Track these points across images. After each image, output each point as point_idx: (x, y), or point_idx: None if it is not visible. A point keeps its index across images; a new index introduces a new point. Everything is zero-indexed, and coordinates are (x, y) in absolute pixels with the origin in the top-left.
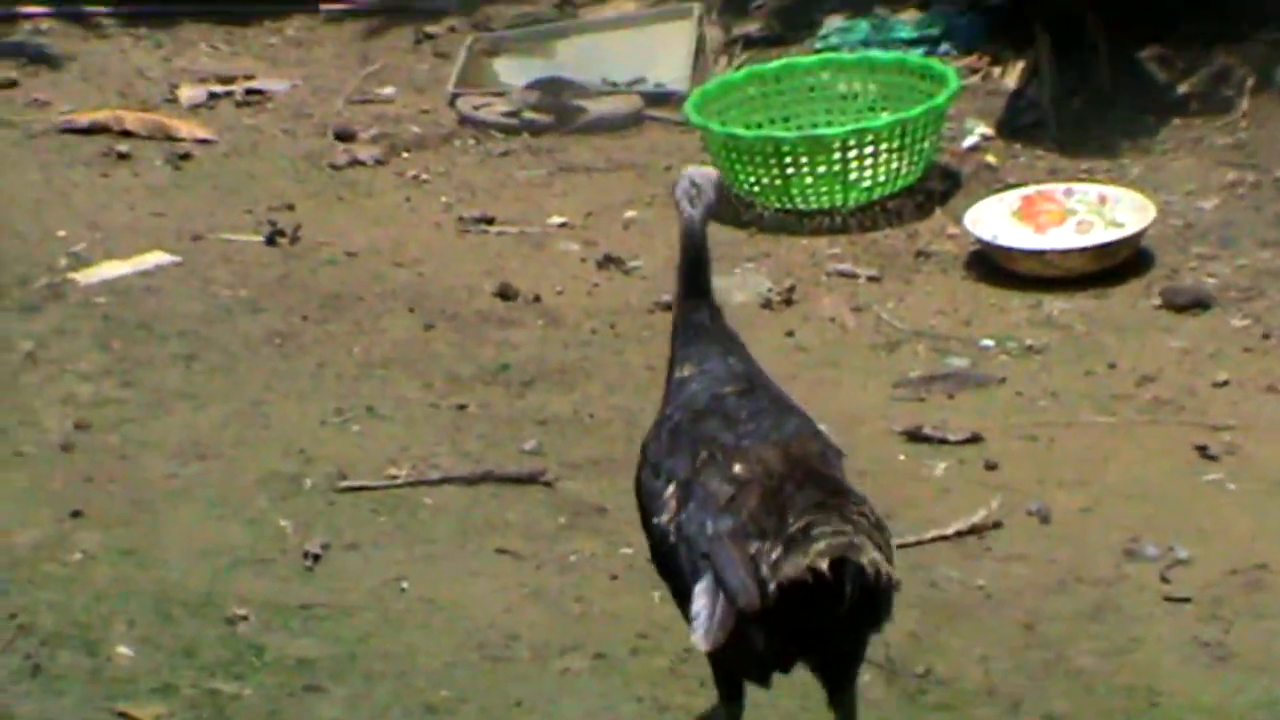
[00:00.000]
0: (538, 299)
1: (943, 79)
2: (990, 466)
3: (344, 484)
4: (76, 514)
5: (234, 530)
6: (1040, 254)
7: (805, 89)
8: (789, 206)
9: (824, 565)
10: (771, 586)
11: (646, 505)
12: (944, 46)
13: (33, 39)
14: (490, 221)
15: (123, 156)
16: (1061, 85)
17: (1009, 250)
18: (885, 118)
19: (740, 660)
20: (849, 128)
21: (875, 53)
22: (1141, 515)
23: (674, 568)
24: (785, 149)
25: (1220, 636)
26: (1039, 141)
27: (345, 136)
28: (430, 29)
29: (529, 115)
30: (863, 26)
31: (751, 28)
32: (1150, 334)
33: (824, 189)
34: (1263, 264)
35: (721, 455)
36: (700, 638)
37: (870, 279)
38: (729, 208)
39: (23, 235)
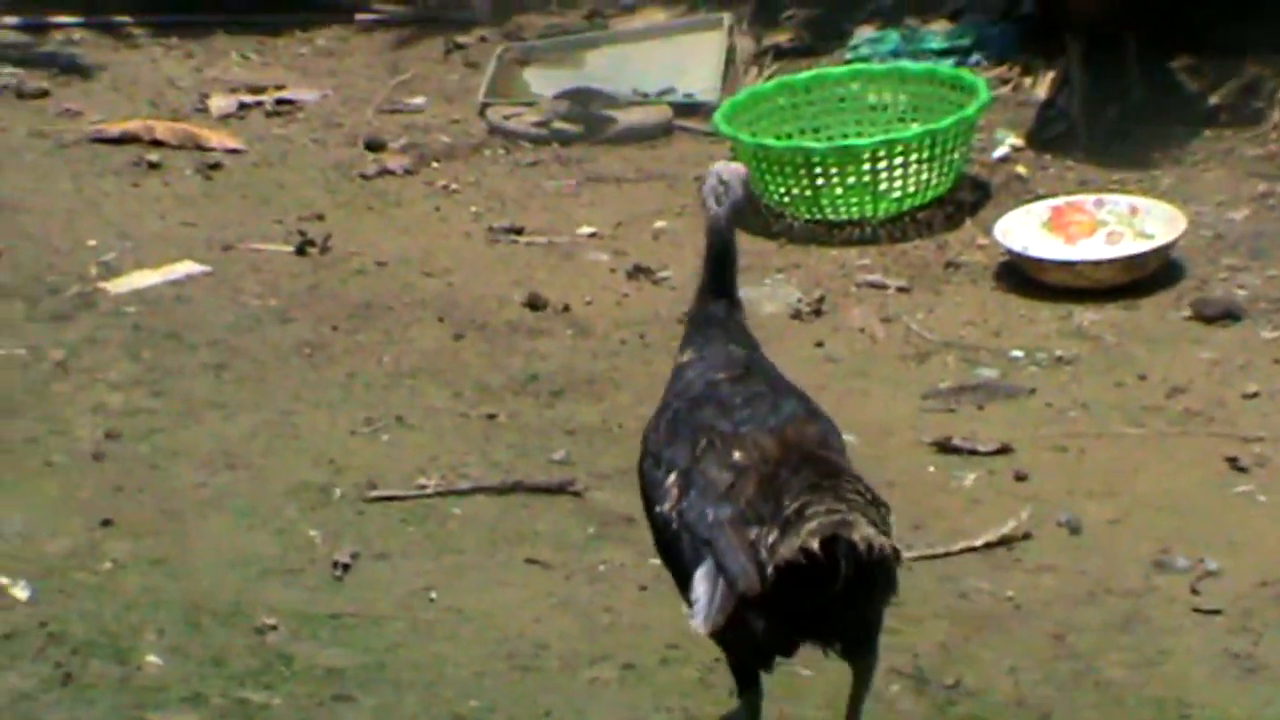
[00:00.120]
0: (567, 309)
1: (973, 90)
2: (1020, 478)
3: (373, 494)
4: (107, 523)
5: (263, 540)
6: (1070, 265)
7: (835, 100)
8: (819, 217)
9: (815, 544)
10: (769, 570)
11: (649, 495)
12: (975, 57)
13: (64, 49)
14: (520, 231)
15: (153, 166)
16: (1092, 96)
17: (1039, 261)
18: (915, 129)
19: (741, 644)
20: (879, 139)
21: (906, 63)
22: (1171, 527)
23: (676, 556)
24: (815, 160)
25: (1250, 648)
26: (1069, 152)
27: (375, 146)
28: (461, 39)
29: (559, 125)
30: (893, 37)
31: (782, 38)
32: (1180, 345)
33: (854, 200)
34: None
35: (720, 443)
36: (699, 622)
37: (900, 290)
38: (758, 218)
39: (54, 245)
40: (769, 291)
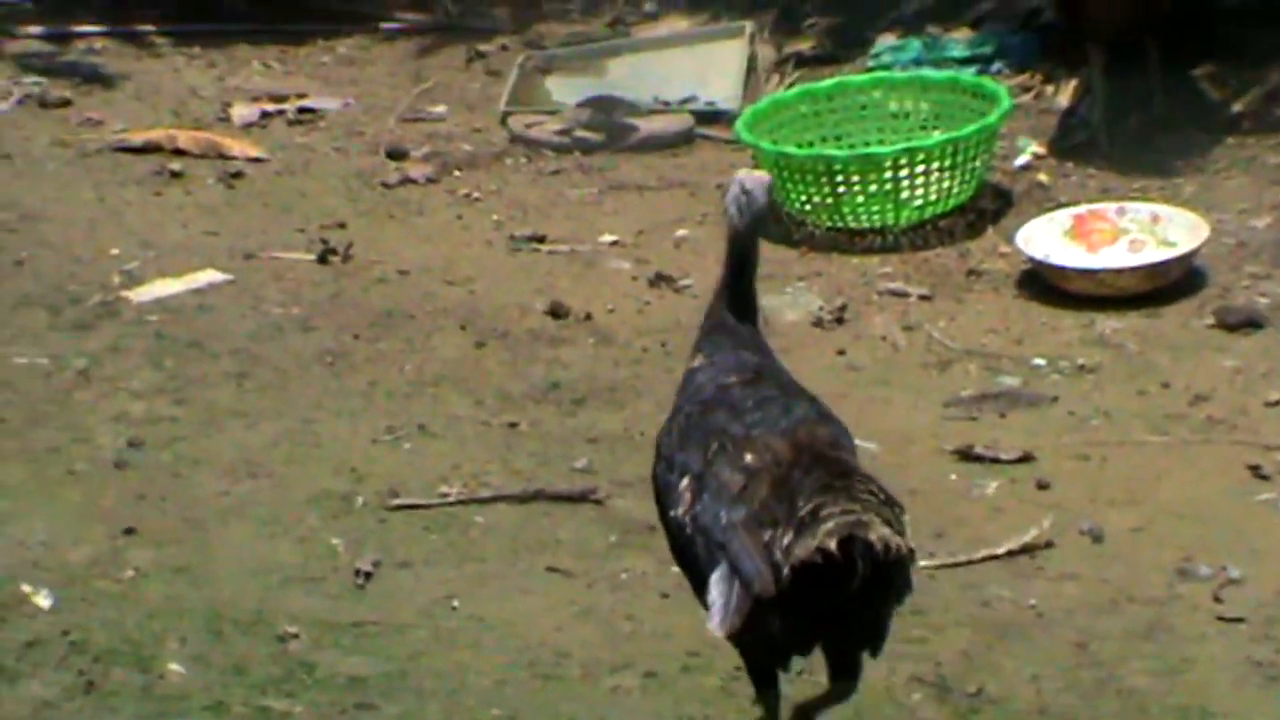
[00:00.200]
0: (589, 317)
1: (995, 98)
2: (1042, 486)
3: (395, 502)
4: (129, 531)
5: (285, 548)
6: (1092, 273)
7: (857, 107)
8: (840, 225)
9: (832, 545)
10: (785, 571)
11: (663, 499)
12: (996, 65)
13: (86, 58)
14: (542, 240)
15: (175, 175)
16: (1114, 104)
17: (1061, 269)
18: (937, 136)
19: (758, 645)
20: (901, 146)
21: (928, 71)
22: (1194, 535)
23: (692, 559)
24: (837, 168)
25: (1273, 657)
26: (1091, 160)
27: (397, 155)
28: (482, 47)
29: (581, 133)
30: (915, 45)
31: (803, 46)
32: (1203, 353)
33: (875, 208)
34: None
35: (732, 446)
36: (716, 624)
37: (922, 298)
38: (780, 226)
39: (76, 253)
40: (790, 299)
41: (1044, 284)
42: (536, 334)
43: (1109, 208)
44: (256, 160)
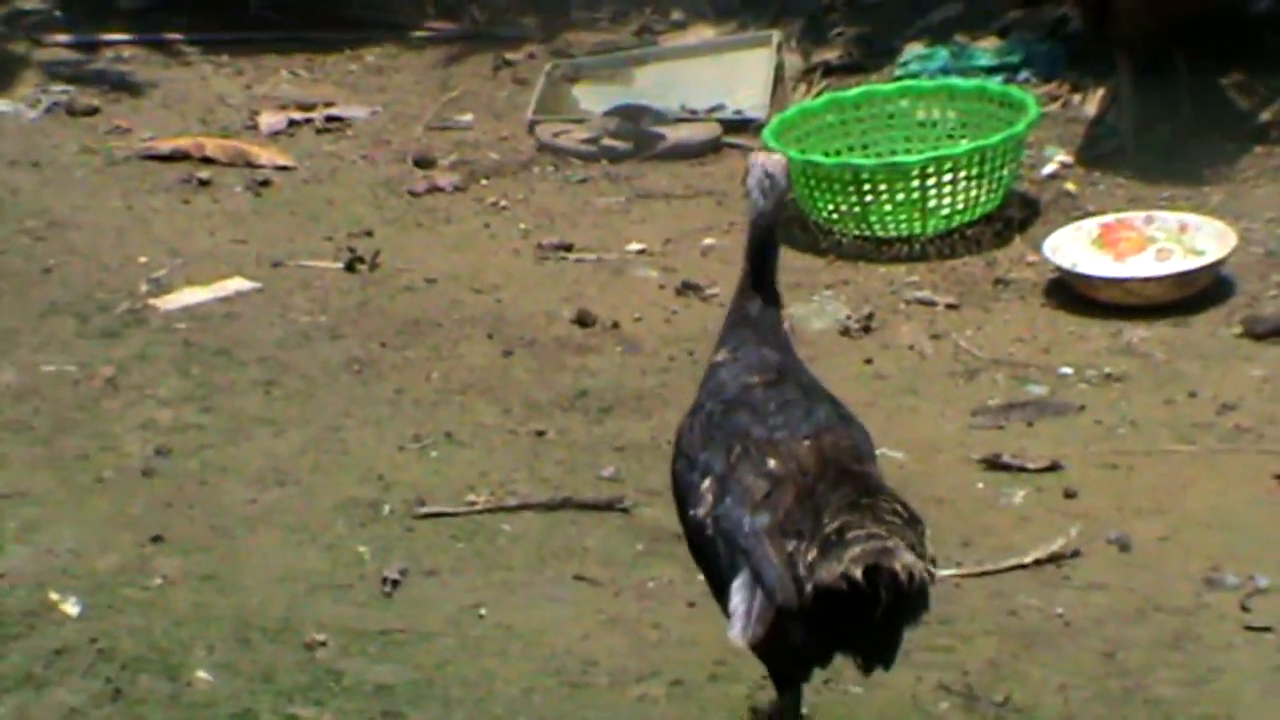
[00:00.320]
0: (616, 326)
1: (1022, 106)
2: (1069, 495)
3: (422, 510)
4: (157, 539)
5: (312, 556)
6: (1120, 282)
7: (884, 116)
8: (868, 234)
9: (858, 573)
10: (808, 588)
11: (683, 497)
12: (1024, 74)
13: (115, 67)
14: (569, 248)
15: (203, 183)
16: (1142, 113)
17: (1088, 278)
18: (964, 145)
19: (780, 655)
20: (928, 155)
21: (955, 80)
22: (1222, 544)
23: (711, 560)
24: (864, 176)
25: None
26: (1119, 169)
27: (424, 163)
28: (510, 56)
29: (608, 142)
30: (942, 54)
31: (831, 55)
32: (1231, 362)
33: (903, 216)
34: None
35: (755, 450)
36: (738, 633)
37: (949, 306)
38: (808, 235)
39: (104, 261)
40: (818, 308)
41: (1071, 293)
42: (563, 342)
43: (1137, 216)
44: (284, 168)
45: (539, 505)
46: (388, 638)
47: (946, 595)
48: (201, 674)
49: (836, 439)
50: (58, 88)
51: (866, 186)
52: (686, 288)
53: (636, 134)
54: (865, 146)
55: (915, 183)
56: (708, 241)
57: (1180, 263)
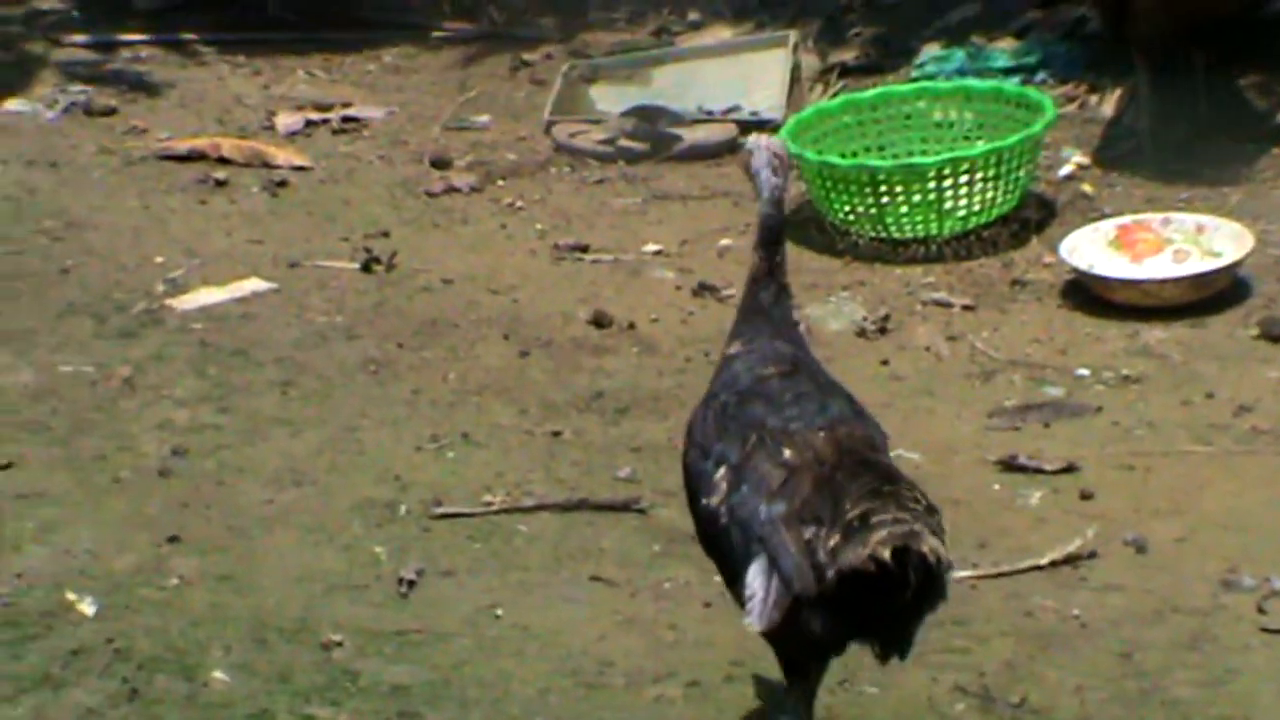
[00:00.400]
0: (632, 326)
1: (1039, 107)
2: (1086, 496)
3: (439, 510)
4: (173, 539)
5: (329, 556)
6: (1137, 283)
7: (901, 117)
8: (884, 235)
9: (886, 554)
10: (830, 573)
11: (695, 486)
12: (1041, 75)
13: (132, 67)
14: (585, 249)
15: (220, 183)
16: (1159, 114)
17: (1105, 279)
18: (981, 146)
19: (797, 642)
20: (944, 156)
21: (972, 81)
22: (1239, 545)
23: (725, 549)
24: (880, 177)
25: None
26: (1136, 170)
27: (441, 164)
28: (527, 56)
29: (625, 143)
30: (959, 55)
31: (848, 56)
32: (1248, 364)
33: (919, 218)
34: None
35: (770, 439)
36: (755, 619)
37: (965, 308)
38: (824, 236)
39: (121, 262)
40: (834, 309)
41: (1088, 294)
42: (580, 343)
43: (1154, 218)
44: (301, 169)
45: (555, 506)
46: (404, 638)
47: (963, 596)
48: (218, 674)
49: (851, 430)
50: (75, 88)
51: (883, 188)
52: (703, 289)
53: (653, 135)
54: (882, 148)
55: (932, 184)
56: (724, 242)
57: (1197, 264)
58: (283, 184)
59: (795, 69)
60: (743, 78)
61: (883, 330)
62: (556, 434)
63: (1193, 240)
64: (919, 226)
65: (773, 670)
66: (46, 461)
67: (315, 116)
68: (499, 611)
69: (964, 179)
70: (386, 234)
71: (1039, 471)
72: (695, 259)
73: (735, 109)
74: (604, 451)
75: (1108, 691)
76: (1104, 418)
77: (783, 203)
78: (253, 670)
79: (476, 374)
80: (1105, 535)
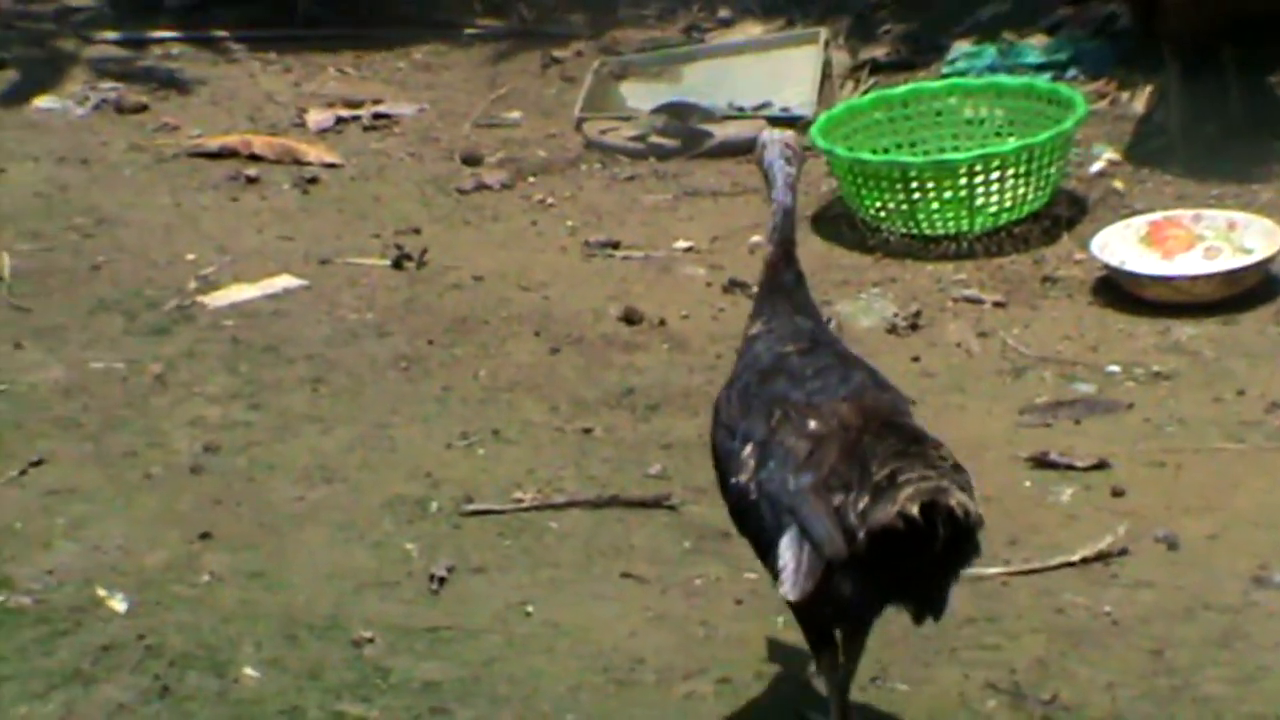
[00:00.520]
0: (663, 323)
1: (1070, 104)
2: (1117, 493)
3: (469, 507)
4: (205, 536)
5: (360, 553)
6: (1168, 280)
7: (932, 114)
8: (915, 231)
9: (915, 510)
10: (861, 534)
11: (723, 466)
12: (1072, 71)
13: (163, 64)
14: (616, 246)
15: (251, 180)
16: (1191, 110)
17: (1136, 276)
18: (1012, 143)
19: (830, 609)
20: (976, 153)
21: (1003, 78)
22: (1270, 542)
23: (756, 525)
24: (912, 174)
25: None
26: (1167, 167)
27: (472, 160)
28: (557, 53)
29: (655, 139)
30: (990, 51)
31: (879, 52)
32: (1279, 360)
33: (950, 214)
34: None
35: (795, 413)
36: (789, 589)
37: (996, 304)
38: (855, 232)
39: (152, 258)
40: (865, 306)
41: (1119, 291)
42: (610, 340)
43: (1185, 214)
44: (332, 166)
45: (586, 503)
46: (435, 635)
47: (994, 593)
48: (249, 671)
49: (877, 396)
50: (106, 85)
51: (914, 184)
52: (733, 285)
53: (684, 131)
54: (913, 144)
55: (963, 180)
56: (755, 239)
57: (1228, 261)
58: (314, 181)
59: (826, 66)
60: (773, 74)
61: (914, 327)
62: (587, 431)
63: (1224, 237)
64: (950, 223)
65: (805, 666)
66: (77, 458)
67: (346, 113)
68: (529, 608)
69: (995, 175)
70: (417, 231)
71: (1070, 468)
72: (726, 255)
73: (766, 105)
74: (635, 448)
75: (1139, 688)
76: (1135, 414)
77: (794, 194)
78: (283, 667)
79: (507, 371)
80: (1136, 532)
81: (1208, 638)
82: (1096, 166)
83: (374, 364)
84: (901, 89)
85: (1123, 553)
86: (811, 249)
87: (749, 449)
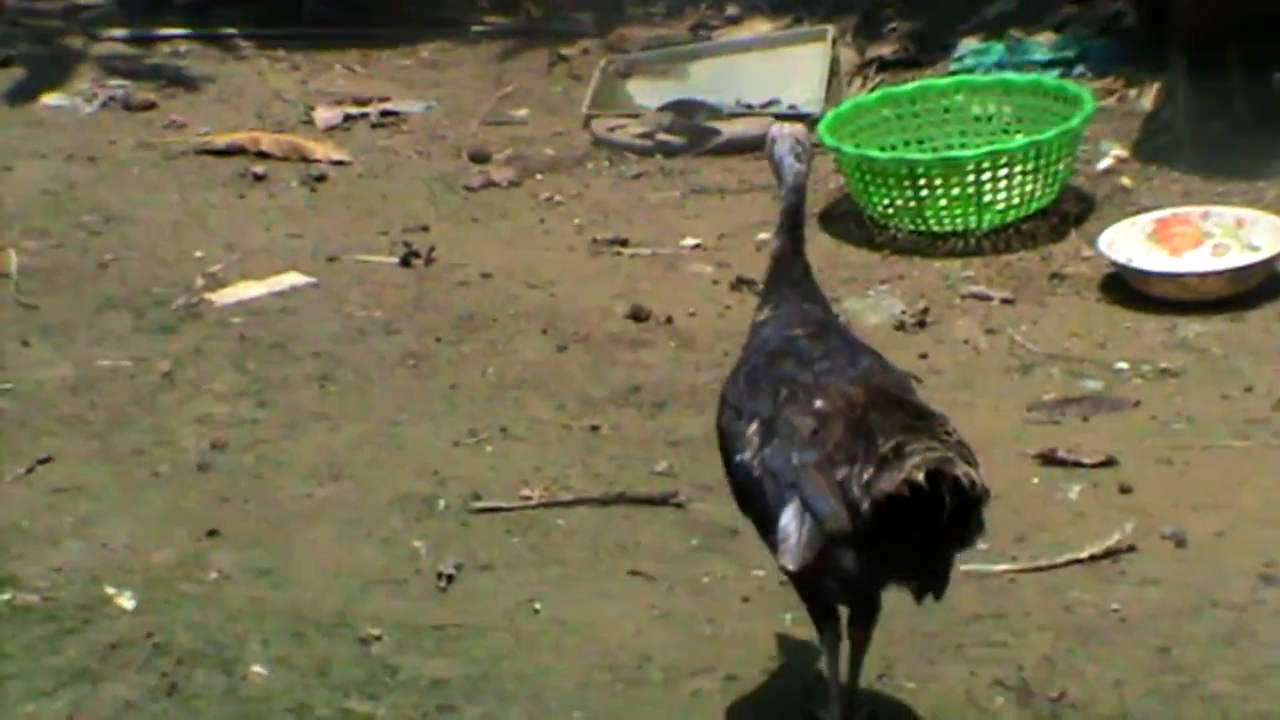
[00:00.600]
0: (670, 321)
1: (1078, 101)
2: (1125, 490)
3: (477, 505)
4: (212, 534)
5: (368, 551)
6: (1175, 277)
7: (940, 111)
8: (922, 228)
9: (920, 478)
10: (865, 505)
11: (729, 445)
12: (1079, 68)
13: (171, 61)
14: (623, 243)
15: (259, 178)
16: (1198, 107)
17: (1144, 273)
18: (1020, 140)
19: (832, 583)
20: (983, 150)
21: (1010, 75)
22: (1278, 540)
23: (758, 501)
24: (919, 171)
25: None
26: (1174, 164)
27: (479, 158)
28: (565, 51)
29: (662, 137)
30: (998, 48)
31: (886, 50)
32: None
33: (958, 211)
34: None
35: (802, 393)
36: (789, 560)
37: (1004, 301)
38: (862, 229)
39: (160, 256)
40: (872, 302)
41: (1127, 288)
42: (617, 337)
43: (1192, 211)
44: (339, 163)
45: (593, 500)
46: (443, 632)
47: (1001, 590)
48: (257, 668)
49: (884, 377)
50: (114, 82)
51: (922, 181)
52: (740, 283)
53: (691, 129)
54: (920, 141)
55: (970, 177)
56: (762, 236)
57: (1236, 258)
58: (321, 178)
59: (833, 63)
60: (780, 72)
61: (921, 324)
62: (594, 428)
63: (1231, 234)
64: (958, 220)
65: (812, 664)
66: (85, 456)
67: (354, 111)
68: (537, 606)
69: (1003, 172)
70: (425, 228)
71: (1078, 465)
72: (733, 253)
73: (773, 103)
74: (642, 446)
75: (1146, 686)
76: (1143, 411)
77: (805, 187)
78: (291, 664)
79: (515, 368)
80: (1144, 529)
81: (1215, 635)
82: (1104, 163)
83: (382, 361)
84: (909, 86)
85: (1130, 550)
86: (819, 246)
87: (755, 426)
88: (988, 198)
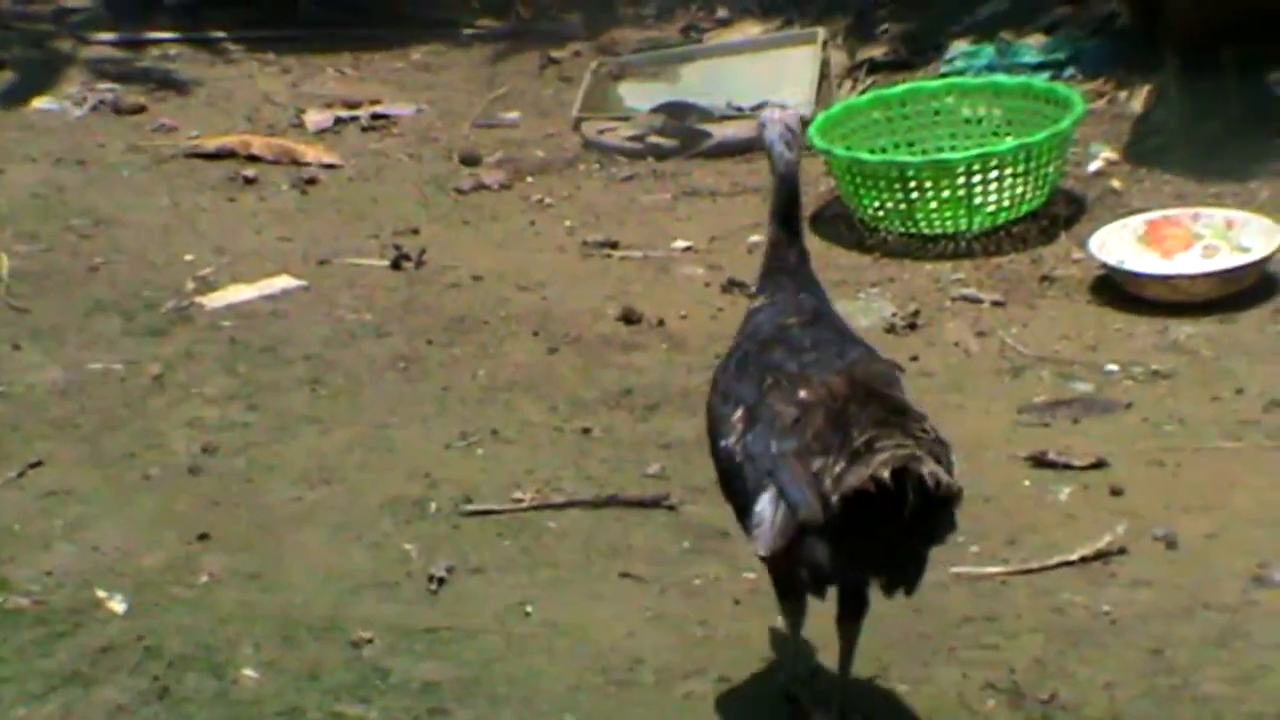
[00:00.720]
0: (661, 323)
1: (1068, 103)
2: (1116, 492)
3: (468, 508)
4: (203, 537)
5: (358, 554)
6: (1166, 279)
7: (930, 113)
8: (913, 231)
9: (885, 474)
10: (835, 498)
11: (715, 429)
12: (1070, 71)
13: (160, 64)
14: (614, 245)
15: (249, 181)
16: (1191, 108)
17: (1135, 275)
18: (1010, 142)
19: (800, 571)
20: (974, 152)
21: (1000, 77)
22: (1269, 541)
23: (739, 486)
24: (910, 173)
25: None
26: (1165, 166)
27: (470, 161)
28: (555, 54)
29: (653, 139)
30: (988, 51)
31: (876, 52)
32: (1277, 359)
33: (948, 214)
34: None
35: (787, 381)
36: (761, 545)
37: (994, 304)
38: (853, 232)
39: (150, 259)
40: (863, 305)
41: (1117, 290)
42: (609, 340)
43: (1183, 213)
44: (330, 166)
45: (585, 503)
46: (434, 635)
47: (992, 593)
48: (247, 672)
49: (868, 367)
50: (104, 85)
51: (912, 184)
52: (732, 285)
53: (682, 131)
54: (911, 144)
55: (961, 180)
56: (753, 239)
57: (1227, 259)
58: (312, 181)
59: (824, 65)
60: (771, 74)
61: (912, 326)
62: (586, 431)
63: (1222, 236)
64: (948, 222)
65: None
66: (75, 459)
67: (344, 114)
68: (529, 608)
69: (993, 175)
70: (416, 231)
71: (1068, 467)
72: (724, 255)
73: (764, 105)
74: (633, 448)
75: (1138, 688)
76: (1134, 413)
77: (795, 175)
78: (282, 668)
79: (506, 371)
80: (1135, 531)
81: (1207, 637)
82: (1094, 165)
83: (372, 364)
84: (899, 88)
85: (1121, 552)
86: (810, 249)
87: (739, 413)
88: (978, 200)
